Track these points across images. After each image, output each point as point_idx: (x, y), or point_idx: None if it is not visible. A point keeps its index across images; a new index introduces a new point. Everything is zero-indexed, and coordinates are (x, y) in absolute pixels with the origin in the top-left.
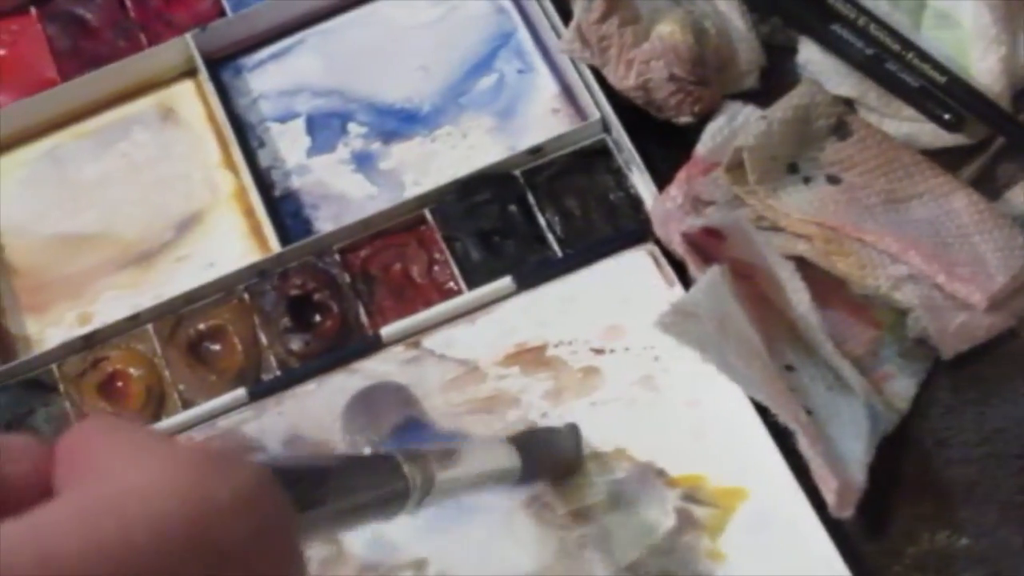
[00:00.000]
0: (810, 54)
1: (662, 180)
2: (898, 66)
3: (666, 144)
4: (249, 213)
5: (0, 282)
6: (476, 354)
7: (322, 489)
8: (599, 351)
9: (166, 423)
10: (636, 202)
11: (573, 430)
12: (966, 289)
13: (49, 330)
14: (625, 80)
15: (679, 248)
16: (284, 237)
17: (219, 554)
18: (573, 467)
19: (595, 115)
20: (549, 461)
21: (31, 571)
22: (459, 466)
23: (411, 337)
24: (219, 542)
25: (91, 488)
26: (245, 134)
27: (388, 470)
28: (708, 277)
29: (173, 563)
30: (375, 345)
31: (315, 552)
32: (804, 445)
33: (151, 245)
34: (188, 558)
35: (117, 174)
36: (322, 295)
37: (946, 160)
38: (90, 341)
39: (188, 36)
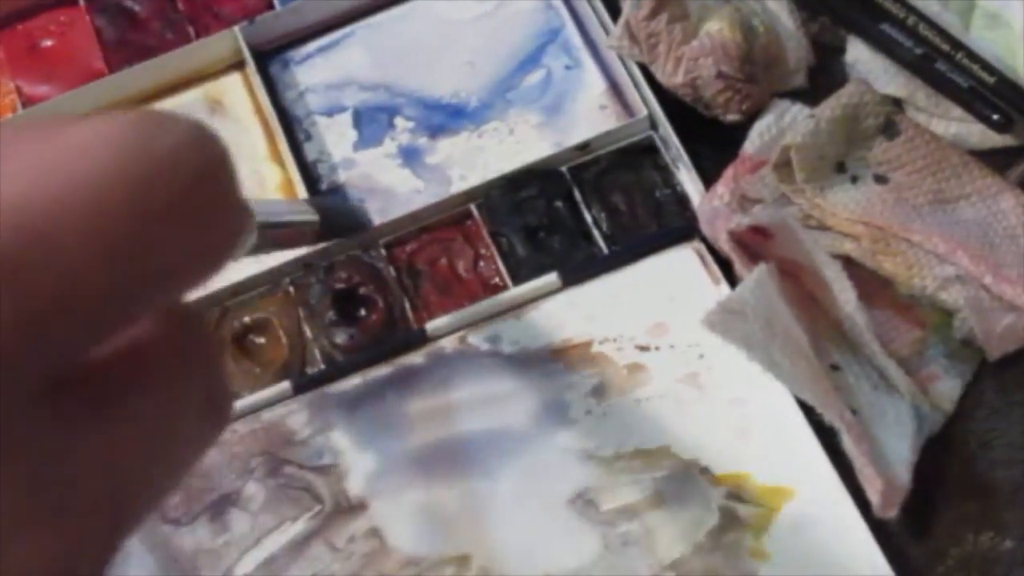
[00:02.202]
0: (859, 53)
1: (709, 178)
2: (947, 66)
3: (713, 142)
4: None
5: None
6: (521, 349)
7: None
8: (644, 348)
9: None
10: (682, 200)
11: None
12: (1013, 290)
13: None
14: (673, 77)
15: (725, 246)
16: None
17: (164, 198)
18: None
19: (643, 112)
20: (342, 225)
21: None
22: (262, 207)
23: (456, 332)
24: (164, 188)
25: (30, 150)
26: (292, 127)
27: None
28: (755, 275)
29: (121, 211)
30: (420, 339)
31: (358, 546)
32: (849, 445)
33: None
34: (134, 205)
35: None
36: (367, 289)
37: (994, 161)
38: None
39: (236, 29)
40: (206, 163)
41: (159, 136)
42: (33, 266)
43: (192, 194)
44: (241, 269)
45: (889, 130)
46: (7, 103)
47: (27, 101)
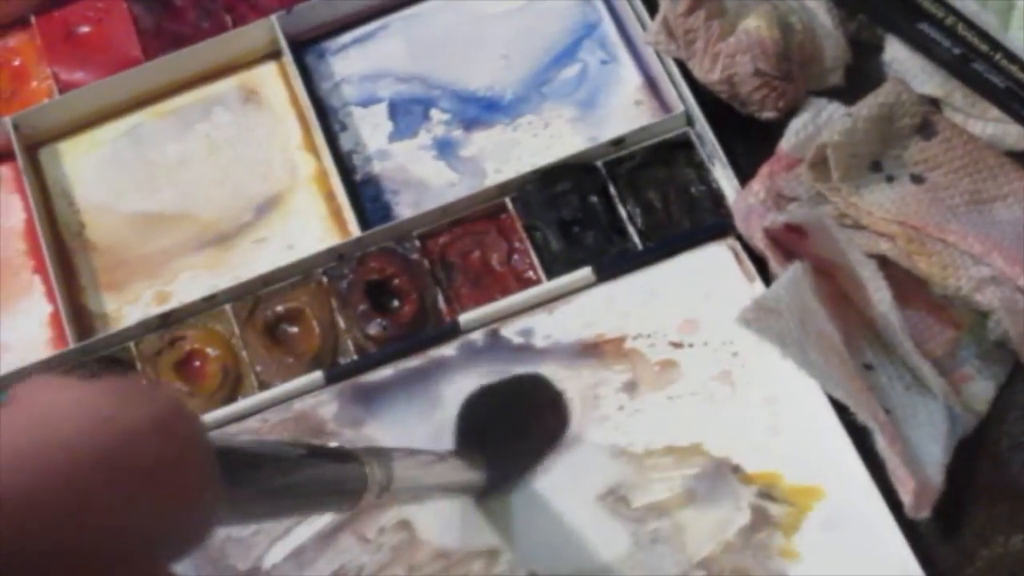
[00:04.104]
0: (896, 52)
1: (744, 175)
2: (985, 66)
3: (749, 139)
4: (329, 196)
5: (80, 259)
6: (554, 344)
7: (278, 475)
8: (677, 344)
9: (242, 404)
10: (717, 196)
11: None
12: None
13: (127, 308)
14: (710, 74)
15: (760, 243)
16: (363, 221)
17: (131, 474)
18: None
19: (679, 108)
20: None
21: None
22: (420, 470)
23: (489, 325)
24: (132, 463)
25: (13, 411)
26: (327, 117)
27: (348, 465)
28: (790, 273)
29: (85, 479)
30: (453, 332)
31: (388, 538)
32: (882, 445)
33: (230, 226)
34: (100, 476)
35: (198, 154)
36: (400, 280)
37: None
38: (168, 320)
39: (273, 18)
40: (175, 440)
41: (132, 408)
42: None
43: (155, 466)
44: (274, 259)
45: (926, 130)
46: (44, 88)
47: (63, 87)
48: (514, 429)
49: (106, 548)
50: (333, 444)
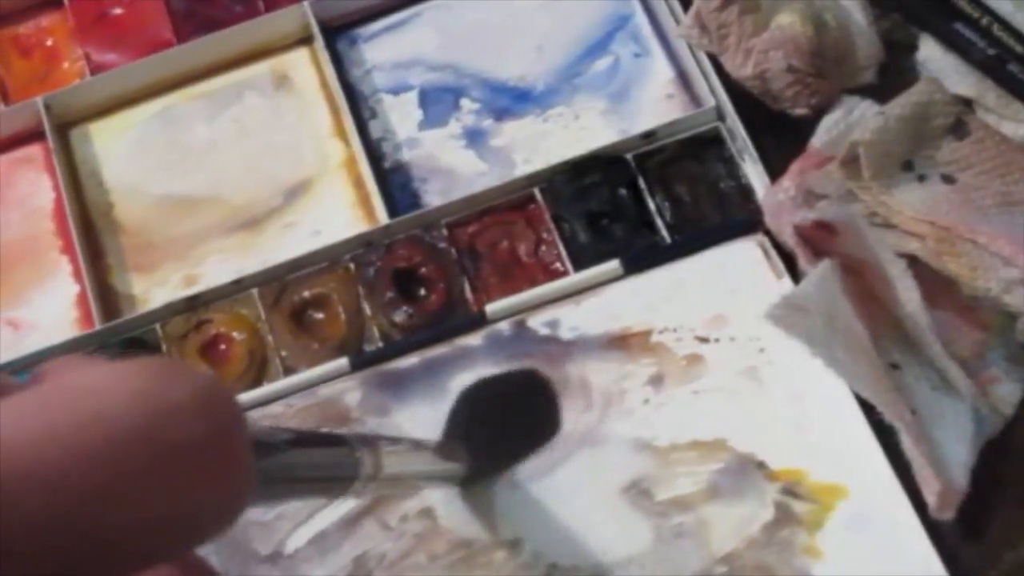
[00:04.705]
0: (930, 52)
1: (774, 171)
2: (1019, 68)
3: (780, 135)
4: (358, 183)
5: (108, 240)
6: (580, 336)
7: (266, 460)
8: (704, 339)
9: (267, 388)
10: (747, 192)
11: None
12: None
13: (154, 290)
14: (742, 69)
15: (790, 240)
16: (392, 209)
17: (170, 452)
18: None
19: (710, 102)
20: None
21: None
22: (406, 458)
23: (515, 315)
24: (171, 440)
25: (50, 386)
26: (357, 104)
27: (339, 451)
28: (819, 271)
29: (123, 457)
30: (479, 322)
31: (410, 526)
32: (908, 445)
33: (259, 210)
34: (138, 453)
35: (228, 138)
36: (428, 269)
37: None
38: (194, 303)
39: (305, 3)
40: (215, 420)
41: (173, 385)
42: (17, 501)
43: (196, 447)
44: (302, 244)
45: (958, 130)
46: (75, 69)
47: (95, 68)
48: (503, 424)
49: (143, 527)
50: (323, 430)
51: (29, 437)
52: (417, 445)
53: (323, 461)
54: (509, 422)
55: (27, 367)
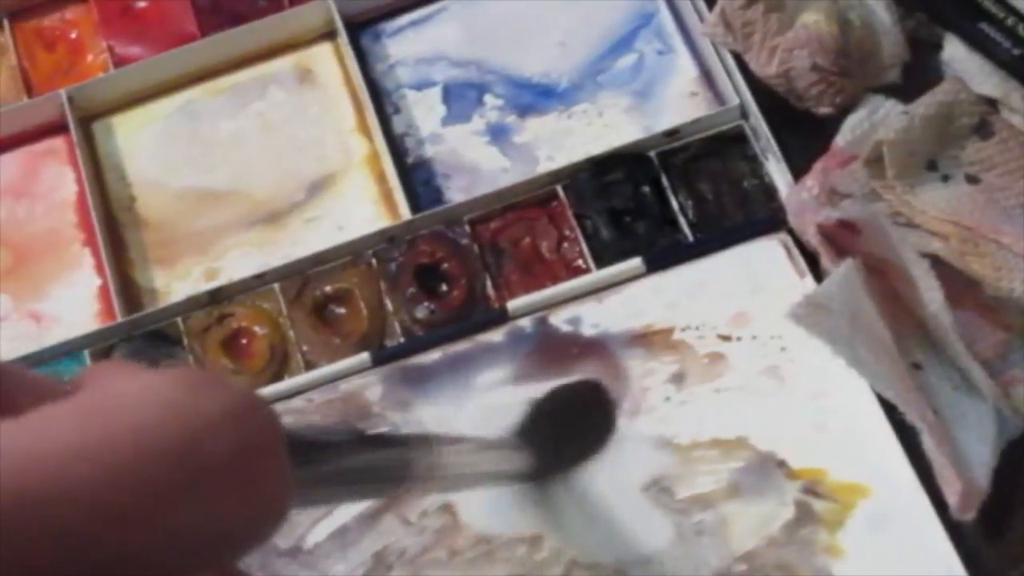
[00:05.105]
0: (955, 51)
1: (797, 170)
2: None
3: (803, 134)
4: (381, 179)
5: (130, 234)
6: (602, 333)
7: (320, 458)
8: (726, 337)
9: (287, 383)
10: (770, 190)
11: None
12: None
13: (176, 284)
14: (767, 67)
15: (813, 239)
16: (414, 205)
17: (201, 468)
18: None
19: (734, 101)
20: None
21: (13, 468)
22: (465, 458)
23: (537, 312)
24: (202, 456)
25: (84, 398)
26: (381, 99)
27: (394, 451)
28: (842, 270)
29: (153, 473)
30: (501, 318)
31: (430, 521)
32: (930, 445)
33: (281, 205)
34: (171, 466)
35: (251, 132)
36: (450, 265)
37: None
38: (216, 297)
39: None
40: (248, 435)
41: (205, 399)
42: (45, 516)
43: (228, 462)
44: (324, 239)
45: (983, 130)
46: (99, 62)
47: (119, 61)
48: (568, 431)
49: (175, 545)
50: (381, 429)
51: (60, 451)
52: (479, 444)
53: (375, 462)
54: (575, 429)
55: (48, 360)
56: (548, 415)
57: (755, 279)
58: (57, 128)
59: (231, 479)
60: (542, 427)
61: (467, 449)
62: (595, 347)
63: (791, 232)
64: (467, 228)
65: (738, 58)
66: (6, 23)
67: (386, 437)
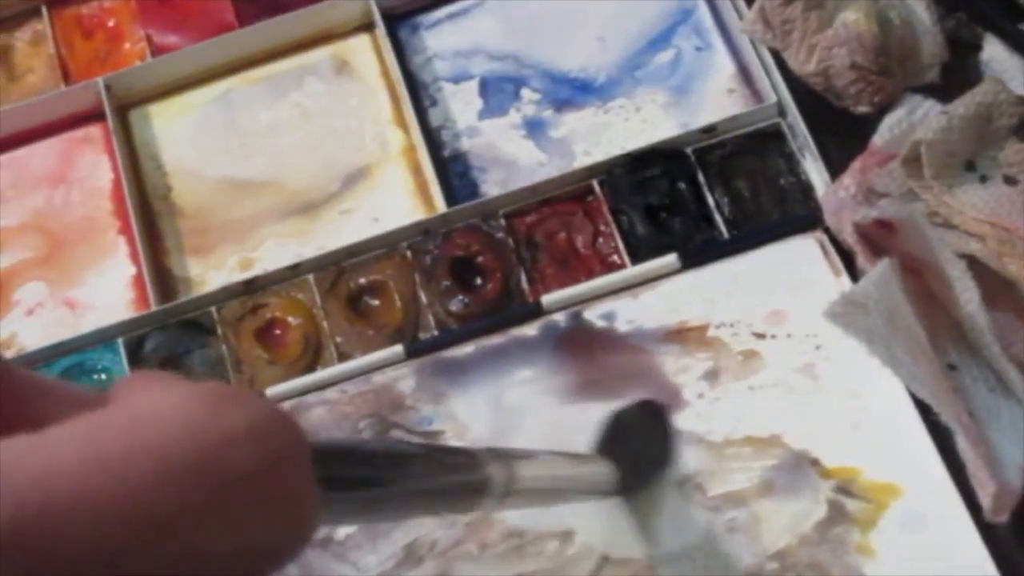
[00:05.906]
0: (995, 52)
1: (835, 168)
2: None
3: (841, 133)
4: (416, 171)
5: (165, 222)
6: (636, 328)
7: (394, 474)
8: (761, 335)
9: (321, 374)
10: (807, 188)
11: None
12: None
13: (211, 273)
14: (806, 65)
15: (849, 238)
16: (450, 197)
17: (222, 485)
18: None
19: (771, 98)
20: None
21: (31, 481)
22: (546, 471)
23: (572, 307)
24: (222, 473)
25: (105, 413)
26: (418, 92)
27: (468, 465)
28: (879, 269)
29: (173, 490)
30: (535, 312)
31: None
32: (964, 446)
33: (317, 196)
34: (189, 486)
35: (288, 122)
36: (485, 258)
37: None
38: (251, 286)
39: None
40: (270, 451)
41: (227, 414)
42: (62, 530)
43: (249, 479)
44: (359, 230)
45: (1022, 131)
46: (137, 51)
47: (156, 50)
48: (642, 445)
49: (193, 562)
50: (452, 444)
51: (80, 466)
52: (561, 457)
53: (445, 478)
54: (647, 444)
55: (82, 348)
56: (624, 431)
57: (791, 277)
58: (94, 116)
59: (254, 496)
60: (618, 443)
61: (546, 464)
62: (629, 343)
63: (827, 231)
64: (502, 222)
65: (776, 55)
66: (44, 11)
67: (453, 450)
